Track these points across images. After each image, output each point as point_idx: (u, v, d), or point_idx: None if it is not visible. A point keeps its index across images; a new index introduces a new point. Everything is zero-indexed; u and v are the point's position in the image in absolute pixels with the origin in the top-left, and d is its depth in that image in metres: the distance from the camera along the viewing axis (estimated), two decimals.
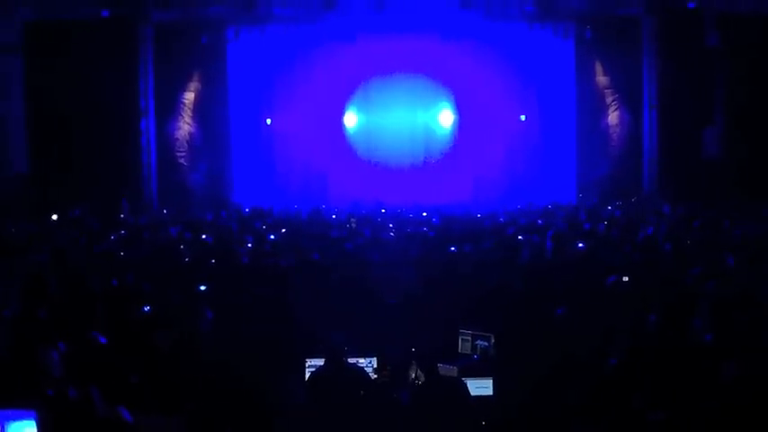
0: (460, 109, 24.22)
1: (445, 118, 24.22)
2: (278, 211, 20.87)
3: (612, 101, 23.15)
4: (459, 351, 8.32)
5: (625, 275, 9.80)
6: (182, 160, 23.32)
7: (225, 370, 6.84)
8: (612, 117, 23.21)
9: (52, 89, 20.95)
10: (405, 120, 24.20)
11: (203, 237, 15.37)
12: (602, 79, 23.28)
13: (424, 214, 19.60)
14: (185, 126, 23.32)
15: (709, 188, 20.34)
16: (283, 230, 16.52)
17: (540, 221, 17.53)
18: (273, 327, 8.38)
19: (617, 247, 13.33)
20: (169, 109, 23.08)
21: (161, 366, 6.79)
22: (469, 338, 8.32)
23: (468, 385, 6.95)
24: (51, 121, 21.09)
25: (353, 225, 17.48)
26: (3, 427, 4.88)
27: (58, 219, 18.57)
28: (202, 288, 9.84)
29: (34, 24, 21.08)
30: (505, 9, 22.18)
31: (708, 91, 21.08)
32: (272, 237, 15.46)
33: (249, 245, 14.11)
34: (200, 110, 23.57)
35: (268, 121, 24.46)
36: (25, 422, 4.87)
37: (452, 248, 13.27)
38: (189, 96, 23.35)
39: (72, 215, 19.05)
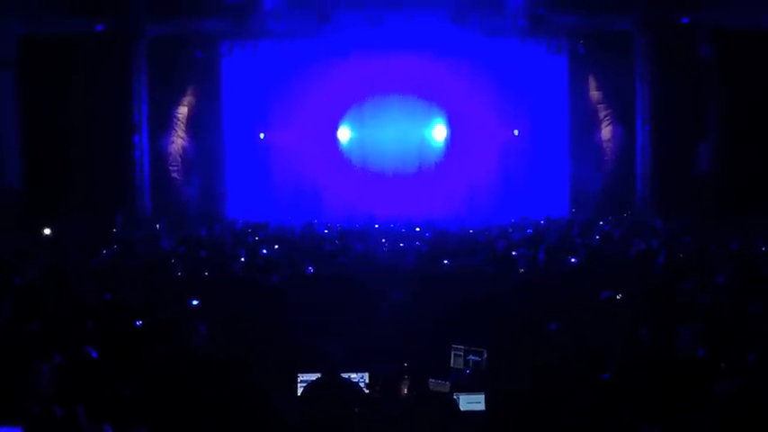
0: (454, 124, 24.21)
1: (438, 133, 24.22)
2: (272, 226, 20.84)
3: (606, 115, 23.18)
4: (452, 366, 8.30)
5: (619, 292, 9.78)
6: (175, 174, 23.27)
7: (217, 383, 6.77)
8: (605, 132, 23.24)
9: (45, 103, 20.91)
10: (398, 135, 24.17)
11: (197, 251, 15.34)
12: (595, 94, 23.32)
13: (417, 229, 19.61)
14: (179, 140, 23.29)
15: (702, 203, 20.35)
16: (276, 246, 16.49)
17: (532, 236, 17.54)
18: (266, 341, 8.40)
19: (610, 262, 13.32)
20: (163, 123, 23.05)
21: (153, 380, 6.75)
22: (462, 353, 8.30)
23: (460, 400, 6.95)
24: (44, 134, 21.04)
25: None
26: None
27: (51, 232, 18.52)
28: (195, 302, 9.84)
29: (27, 38, 20.90)
30: (498, 25, 22.22)
31: (701, 106, 21.10)
32: (265, 251, 15.45)
33: (242, 259, 14.10)
34: (193, 124, 23.52)
35: (261, 135, 24.42)
36: None
37: (444, 262, 13.29)
38: (182, 111, 23.30)
39: (65, 229, 19.00)
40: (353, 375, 7.55)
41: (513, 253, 14.45)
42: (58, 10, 20.18)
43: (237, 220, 22.03)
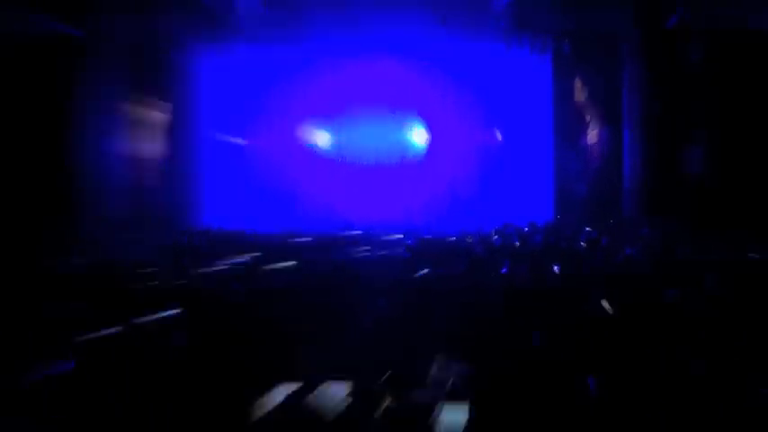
0: (434, 128, 24.11)
1: (419, 137, 24.03)
2: (251, 233, 20.61)
3: (591, 118, 23.01)
4: (434, 376, 8.06)
5: (606, 303, 9.57)
6: (150, 181, 22.95)
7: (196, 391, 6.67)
8: (592, 135, 23.05)
9: (20, 110, 20.52)
10: (378, 139, 24.06)
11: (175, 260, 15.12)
12: (580, 96, 23.14)
13: (401, 236, 19.39)
14: (150, 146, 22.98)
15: (691, 208, 20.16)
16: (258, 254, 16.27)
17: (516, 243, 17.32)
18: (244, 350, 8.18)
19: (595, 269, 13.18)
20: (138, 128, 22.71)
21: None
22: (445, 363, 8.06)
23: (444, 411, 6.67)
24: (17, 141, 20.63)
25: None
26: None
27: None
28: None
29: None
30: (481, 25, 22.03)
31: (690, 108, 20.90)
32: (242, 260, 15.21)
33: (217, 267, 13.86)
34: (170, 130, 23.25)
35: (238, 141, 24.27)
36: None
37: (426, 270, 13.08)
38: (158, 116, 23.01)
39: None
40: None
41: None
42: (26, 11, 19.76)
43: (213, 228, 21.83)
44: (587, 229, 20.77)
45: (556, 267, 13.47)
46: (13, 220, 19.82)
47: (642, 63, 21.46)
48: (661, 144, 21.27)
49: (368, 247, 17.32)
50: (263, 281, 12.41)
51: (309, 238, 19.55)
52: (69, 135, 21.47)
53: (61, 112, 21.28)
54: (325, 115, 23.61)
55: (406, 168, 23.96)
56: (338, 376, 7.47)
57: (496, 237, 19.31)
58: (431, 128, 23.78)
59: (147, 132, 23.04)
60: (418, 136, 23.77)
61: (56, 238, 19.52)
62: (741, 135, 20.46)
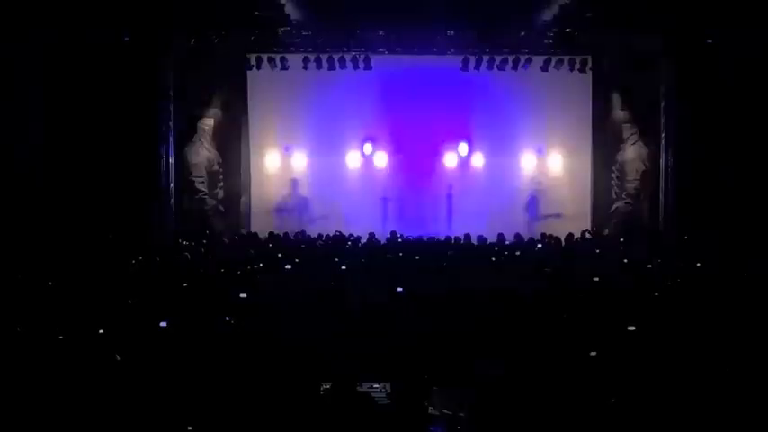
0: (477, 142, 24.16)
1: (462, 150, 24.13)
2: (294, 239, 21.04)
3: (630, 135, 23.25)
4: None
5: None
6: (200, 186, 23.42)
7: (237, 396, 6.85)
8: (630, 152, 23.29)
9: (73, 115, 21.11)
10: (423, 151, 24.09)
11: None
12: (620, 113, 23.39)
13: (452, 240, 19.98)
14: (204, 152, 23.48)
15: (725, 225, 20.21)
16: (296, 260, 16.63)
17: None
18: (285, 351, 8.36)
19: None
20: (188, 135, 23.28)
21: None
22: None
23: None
24: (71, 145, 21.16)
25: None
26: None
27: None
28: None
29: (55, 49, 20.88)
30: (524, 41, 22.41)
31: (725, 129, 21.05)
32: (288, 266, 15.60)
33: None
34: (218, 136, 23.78)
35: (286, 149, 24.41)
36: None
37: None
38: (208, 122, 23.56)
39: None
40: (376, 385, 7.49)
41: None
42: (85, 20, 20.24)
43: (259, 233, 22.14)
44: (621, 239, 21.17)
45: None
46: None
47: (680, 82, 21.67)
48: (696, 161, 21.49)
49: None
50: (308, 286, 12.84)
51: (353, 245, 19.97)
52: (157, 142, 22.37)
53: (147, 121, 22.02)
54: (371, 125, 23.65)
55: (448, 181, 23.97)
56: (379, 375, 7.72)
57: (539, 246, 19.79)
58: (473, 141, 23.74)
59: (209, 139, 23.65)
60: (461, 149, 23.76)
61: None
62: (764, 155, 20.66)
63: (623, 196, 23.48)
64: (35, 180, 20.46)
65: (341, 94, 23.49)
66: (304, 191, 24.38)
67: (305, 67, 23.18)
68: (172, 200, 22.62)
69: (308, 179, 24.36)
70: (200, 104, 23.48)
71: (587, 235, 21.31)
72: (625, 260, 17.15)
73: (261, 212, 24.10)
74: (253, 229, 23.10)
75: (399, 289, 12.32)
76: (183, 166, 23.17)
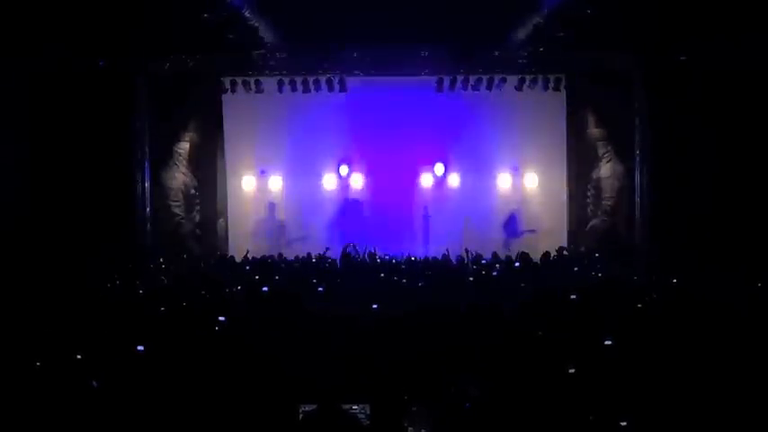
0: (452, 162, 24.26)
1: (437, 170, 24.22)
2: (270, 260, 20.98)
3: (605, 153, 23.41)
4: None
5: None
6: (177, 210, 23.41)
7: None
8: (605, 169, 23.44)
9: (51, 139, 21.02)
10: (397, 172, 24.17)
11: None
12: (594, 131, 23.56)
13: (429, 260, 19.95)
14: (180, 176, 23.47)
15: (700, 244, 20.24)
16: (276, 277, 16.65)
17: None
18: (263, 372, 8.36)
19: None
20: (164, 159, 23.25)
21: None
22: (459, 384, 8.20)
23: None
24: (49, 169, 21.07)
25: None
26: None
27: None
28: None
29: (35, 76, 20.82)
30: (499, 61, 22.55)
31: (699, 145, 21.17)
32: (266, 288, 15.56)
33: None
34: (195, 160, 23.78)
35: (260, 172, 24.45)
36: None
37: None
38: (184, 146, 23.58)
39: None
40: (354, 407, 7.44)
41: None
42: (61, 47, 20.23)
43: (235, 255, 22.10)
44: (597, 254, 21.27)
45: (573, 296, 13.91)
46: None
47: (650, 102, 21.87)
48: (670, 177, 21.63)
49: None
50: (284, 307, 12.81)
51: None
52: (132, 166, 22.48)
53: (122, 145, 22.11)
54: (348, 147, 23.72)
55: (423, 201, 24.08)
56: (358, 396, 7.70)
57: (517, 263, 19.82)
58: (448, 161, 23.88)
59: (185, 163, 23.65)
60: (436, 169, 23.88)
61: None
62: (747, 172, 20.75)
63: (599, 213, 23.64)
64: (18, 205, 20.34)
65: (316, 116, 23.56)
66: (281, 213, 24.44)
67: (280, 90, 23.27)
68: (149, 225, 22.61)
69: (284, 202, 24.42)
70: (176, 128, 23.48)
71: (564, 252, 21.27)
72: (599, 275, 17.23)
73: (238, 236, 24.11)
74: (230, 253, 23.04)
75: (374, 306, 12.33)
76: (159, 190, 23.13)
